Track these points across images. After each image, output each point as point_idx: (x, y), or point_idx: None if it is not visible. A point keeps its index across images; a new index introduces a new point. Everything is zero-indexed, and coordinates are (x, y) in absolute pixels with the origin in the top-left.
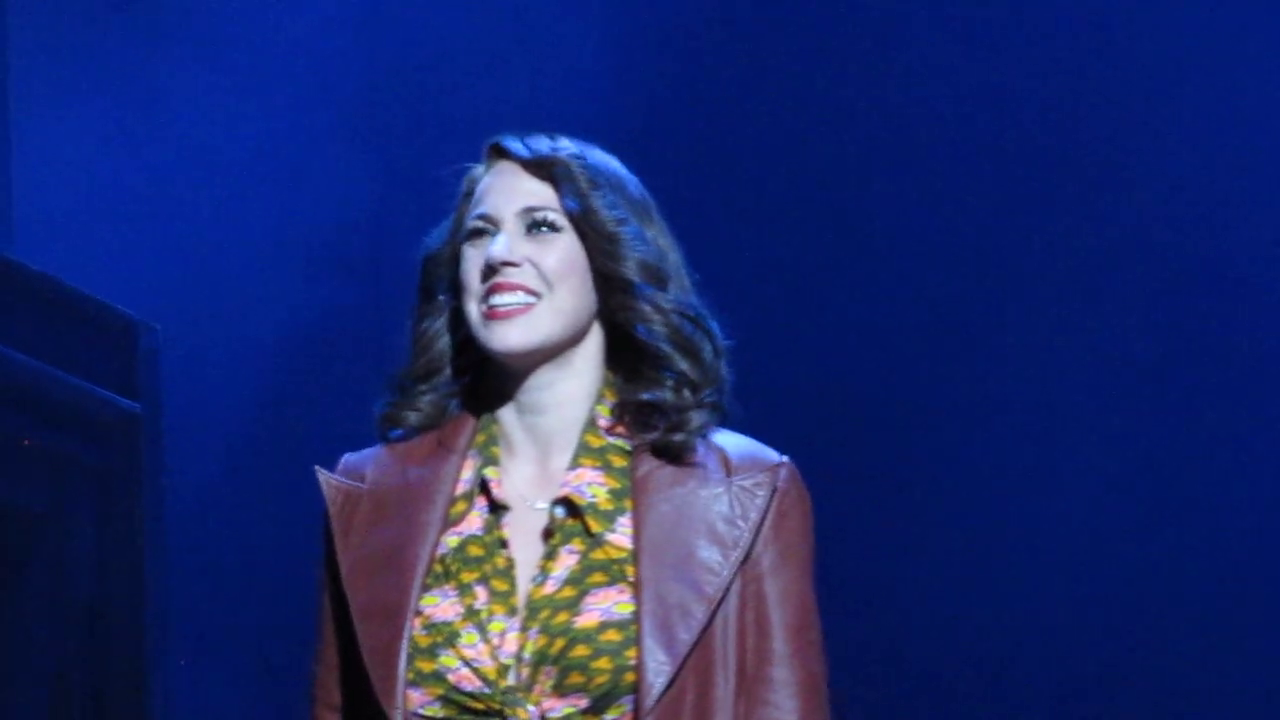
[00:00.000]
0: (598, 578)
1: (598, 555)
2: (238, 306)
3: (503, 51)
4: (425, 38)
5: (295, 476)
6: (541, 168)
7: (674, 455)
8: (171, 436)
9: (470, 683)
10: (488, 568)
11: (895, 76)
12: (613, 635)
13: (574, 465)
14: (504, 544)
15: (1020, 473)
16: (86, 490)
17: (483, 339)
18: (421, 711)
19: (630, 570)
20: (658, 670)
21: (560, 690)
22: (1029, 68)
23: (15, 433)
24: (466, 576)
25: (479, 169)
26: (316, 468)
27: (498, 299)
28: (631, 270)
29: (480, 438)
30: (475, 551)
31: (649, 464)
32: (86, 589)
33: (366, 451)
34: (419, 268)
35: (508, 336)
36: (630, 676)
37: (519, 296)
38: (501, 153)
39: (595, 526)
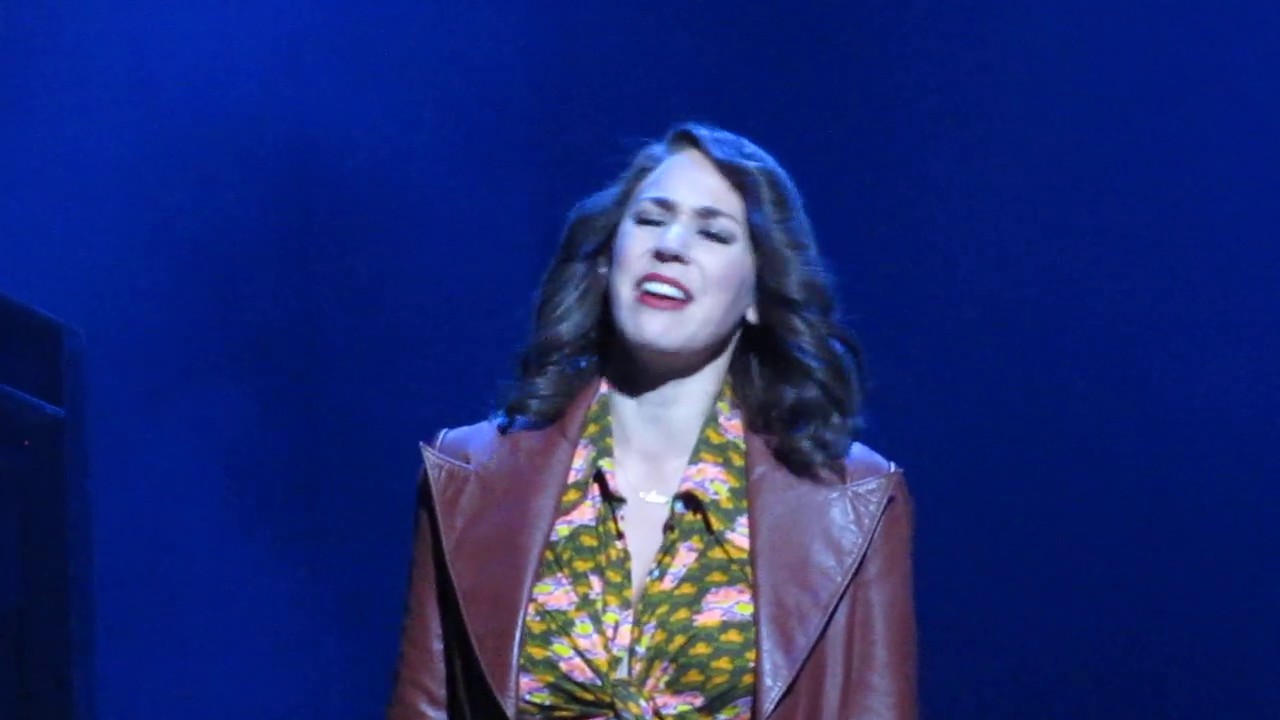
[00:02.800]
0: (717, 576)
1: (717, 554)
2: (161, 310)
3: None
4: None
5: (218, 479)
6: (733, 173)
7: (796, 462)
8: (95, 441)
9: (582, 673)
10: (602, 558)
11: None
12: (734, 635)
13: (695, 460)
14: (619, 535)
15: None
16: (10, 495)
17: (628, 325)
18: (529, 698)
19: (750, 571)
20: (776, 674)
21: (675, 687)
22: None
23: None
24: (580, 565)
25: (657, 148)
26: (422, 444)
27: (655, 286)
28: (796, 289)
29: (593, 428)
30: (588, 541)
31: (765, 464)
32: (11, 595)
33: (468, 429)
34: (566, 227)
35: (655, 331)
36: (748, 678)
37: (675, 291)
38: (692, 142)
39: (717, 524)
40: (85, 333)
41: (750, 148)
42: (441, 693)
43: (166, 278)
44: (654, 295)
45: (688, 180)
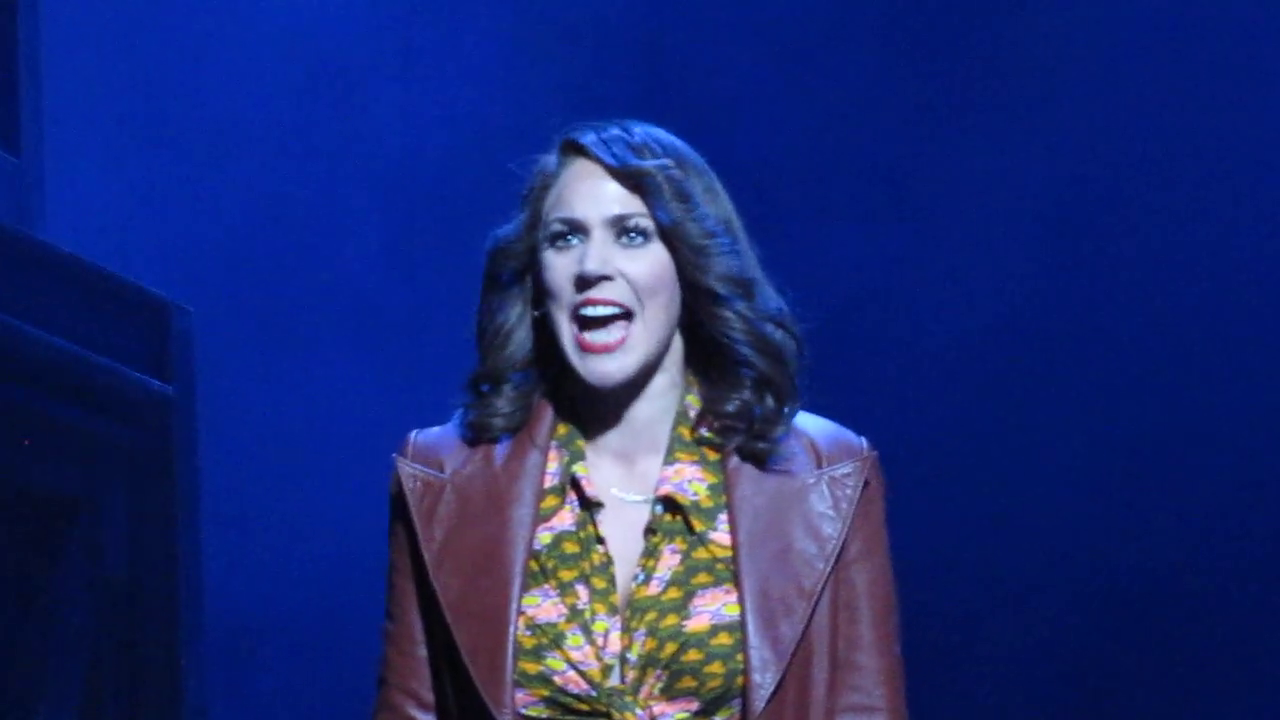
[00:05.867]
0: (703, 578)
1: (701, 554)
2: (271, 288)
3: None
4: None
5: (327, 459)
6: (628, 177)
7: (758, 456)
8: (204, 418)
9: (577, 685)
10: (585, 565)
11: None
12: (724, 639)
13: (670, 460)
14: (600, 540)
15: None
16: (120, 472)
17: (579, 369)
18: (525, 712)
19: (734, 568)
20: (764, 669)
21: (670, 694)
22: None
23: (49, 416)
24: (565, 575)
25: (549, 160)
26: (395, 455)
27: (591, 310)
28: (718, 282)
29: (562, 429)
30: (571, 548)
31: (738, 459)
32: (120, 571)
33: (436, 432)
34: (486, 258)
35: (607, 373)
36: (741, 679)
37: (611, 310)
38: (580, 150)
39: (699, 525)
40: (195, 311)
41: (640, 136)
42: (429, 697)
43: (275, 255)
44: (595, 340)
45: (590, 194)
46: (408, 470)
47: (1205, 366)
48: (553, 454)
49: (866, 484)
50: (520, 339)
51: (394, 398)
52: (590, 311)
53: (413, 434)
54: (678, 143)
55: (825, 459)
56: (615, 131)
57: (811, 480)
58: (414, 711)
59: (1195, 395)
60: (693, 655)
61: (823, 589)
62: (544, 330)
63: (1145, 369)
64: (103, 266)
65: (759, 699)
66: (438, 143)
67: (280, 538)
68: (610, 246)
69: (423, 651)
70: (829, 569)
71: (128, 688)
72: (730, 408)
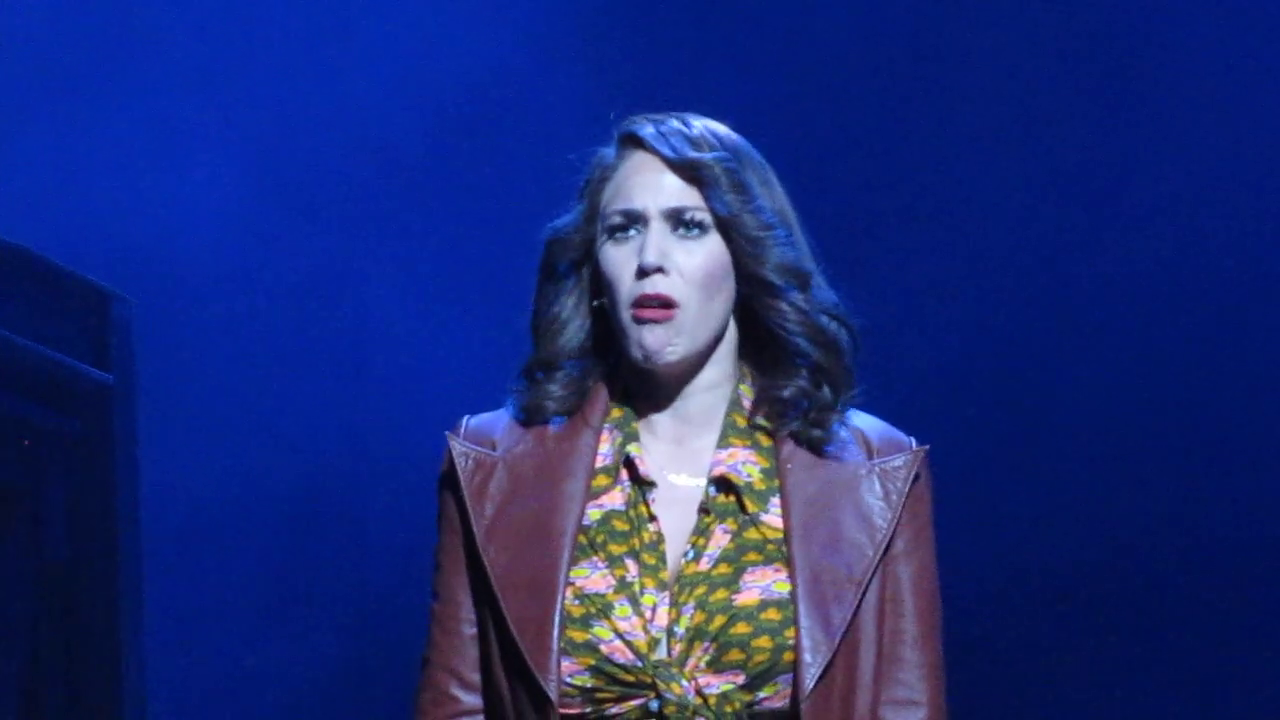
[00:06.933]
0: (753, 556)
1: (752, 535)
2: (210, 278)
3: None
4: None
5: (266, 448)
6: (686, 169)
7: (813, 444)
8: (144, 408)
9: (623, 655)
10: (635, 541)
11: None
12: (773, 614)
13: (724, 444)
14: (651, 519)
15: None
16: (59, 462)
17: (631, 350)
18: (570, 681)
19: (785, 550)
20: (815, 650)
21: (716, 666)
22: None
23: None
24: (615, 549)
25: (608, 153)
26: (448, 433)
27: (646, 306)
28: (774, 273)
29: (616, 413)
30: (620, 525)
31: (791, 446)
32: (60, 559)
33: (489, 416)
34: (543, 249)
35: (653, 348)
36: (788, 655)
37: (666, 302)
38: (639, 143)
39: (752, 506)
40: (134, 300)
41: (698, 129)
42: (473, 677)
43: (215, 244)
44: (647, 318)
45: (647, 184)
46: (460, 448)
47: (1219, 369)
48: (605, 436)
49: (916, 478)
50: (575, 328)
51: (334, 387)
52: (646, 306)
53: (465, 417)
54: (735, 136)
55: (877, 451)
56: (673, 124)
57: (864, 471)
58: (456, 690)
59: (1212, 396)
60: (741, 628)
61: (871, 578)
62: (602, 320)
63: (1158, 377)
64: (43, 256)
65: (809, 678)
66: (383, 131)
67: (220, 526)
68: (668, 238)
69: (469, 630)
70: (878, 558)
71: (68, 675)
72: (785, 394)
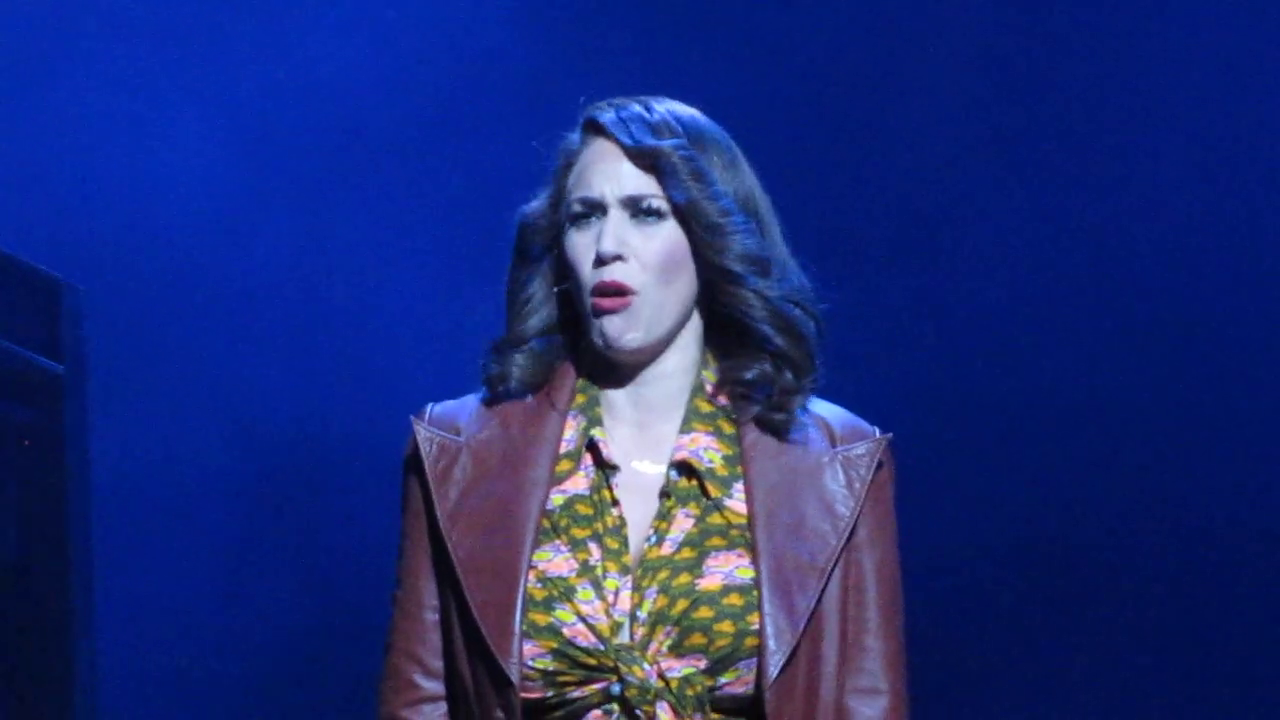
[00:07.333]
0: (716, 541)
1: (715, 520)
2: (162, 266)
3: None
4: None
5: (218, 439)
6: (643, 157)
7: (776, 429)
8: (95, 398)
9: (585, 638)
10: (598, 525)
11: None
12: (735, 599)
13: (686, 429)
14: (614, 503)
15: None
16: (10, 451)
17: (593, 337)
18: (533, 664)
19: (749, 535)
20: (779, 637)
21: (679, 650)
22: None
23: None
24: (578, 533)
25: (573, 139)
26: (413, 417)
27: (604, 295)
28: (734, 261)
29: (581, 398)
30: (584, 510)
31: (755, 433)
32: (10, 551)
33: (454, 403)
34: (515, 231)
35: (613, 335)
36: (751, 641)
37: (621, 289)
38: (599, 130)
39: (714, 491)
40: (85, 289)
41: (659, 114)
42: (435, 664)
43: (166, 232)
44: (606, 306)
45: (605, 173)
46: (424, 433)
47: (1199, 353)
48: (570, 421)
49: (879, 467)
50: (546, 311)
51: (287, 379)
52: (604, 295)
53: (430, 404)
54: (700, 119)
55: (840, 439)
56: (635, 110)
57: (826, 459)
58: (418, 678)
59: (1192, 383)
60: (703, 612)
61: (834, 566)
62: (568, 303)
63: (1136, 364)
64: None
65: (773, 665)
66: (346, 115)
67: (171, 518)
68: (626, 226)
69: (430, 617)
70: (841, 545)
71: (17, 668)
72: (748, 375)
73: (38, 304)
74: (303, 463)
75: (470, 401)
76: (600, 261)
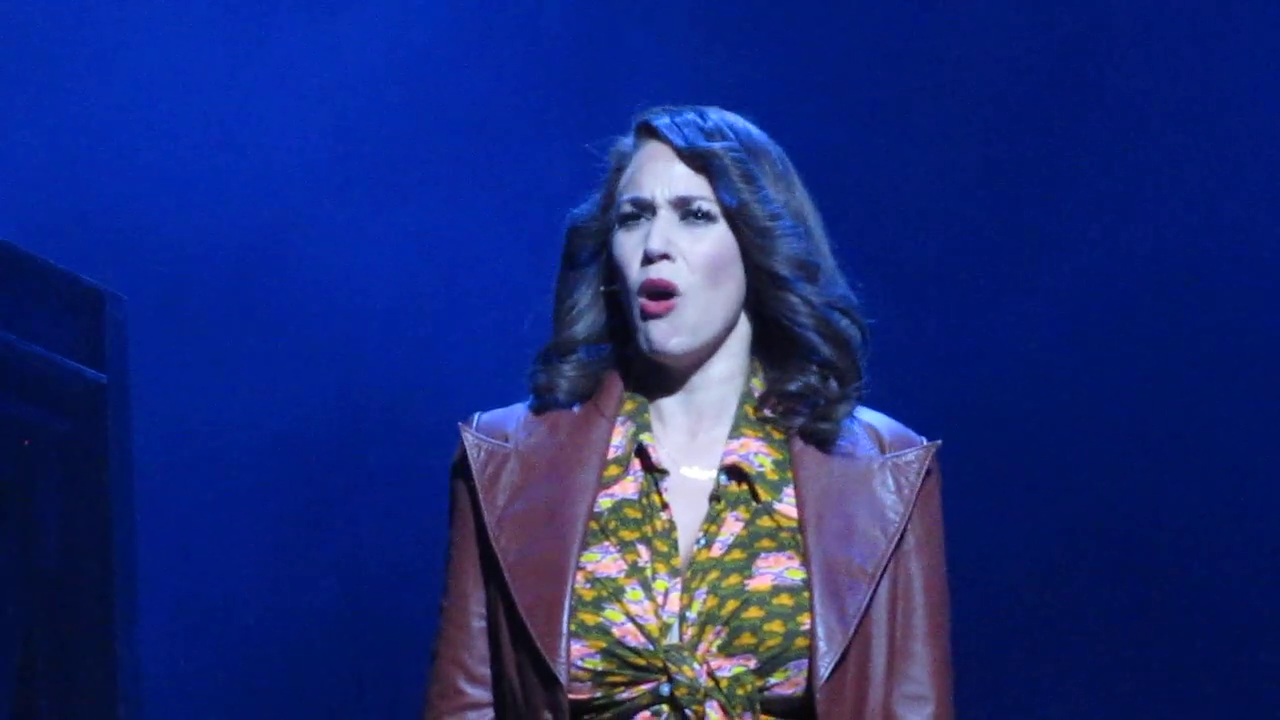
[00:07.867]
0: (766, 543)
1: (765, 522)
2: (204, 276)
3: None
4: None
5: (260, 447)
6: (695, 158)
7: (823, 439)
8: (138, 407)
9: (635, 638)
10: (647, 529)
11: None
12: (785, 599)
13: (736, 435)
14: (664, 507)
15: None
16: (53, 461)
17: (640, 341)
18: (581, 664)
19: (800, 539)
20: (830, 638)
21: (728, 650)
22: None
23: None
24: (627, 535)
25: (625, 143)
26: (460, 424)
27: (651, 295)
28: (782, 265)
29: (629, 405)
30: (632, 514)
31: (801, 442)
32: (54, 560)
33: (501, 411)
34: (564, 237)
35: (658, 339)
36: (801, 641)
37: (668, 288)
38: (653, 133)
39: (765, 495)
40: (129, 299)
41: (713, 121)
42: (481, 670)
43: (210, 242)
44: (653, 308)
45: (657, 174)
46: (472, 439)
47: (1227, 365)
48: (618, 427)
49: (928, 474)
50: (593, 317)
51: (329, 387)
52: (652, 295)
53: (478, 412)
54: (753, 130)
55: (889, 446)
56: (689, 115)
57: (876, 465)
58: (463, 684)
59: (1218, 394)
60: (753, 612)
61: (883, 571)
62: (616, 311)
63: (1174, 375)
64: (36, 255)
65: (824, 667)
66: (376, 124)
67: (213, 526)
68: (675, 226)
69: (478, 624)
70: (890, 552)
71: (61, 677)
72: (793, 388)
73: (81, 314)
74: (345, 470)
75: (518, 409)
76: (648, 260)
